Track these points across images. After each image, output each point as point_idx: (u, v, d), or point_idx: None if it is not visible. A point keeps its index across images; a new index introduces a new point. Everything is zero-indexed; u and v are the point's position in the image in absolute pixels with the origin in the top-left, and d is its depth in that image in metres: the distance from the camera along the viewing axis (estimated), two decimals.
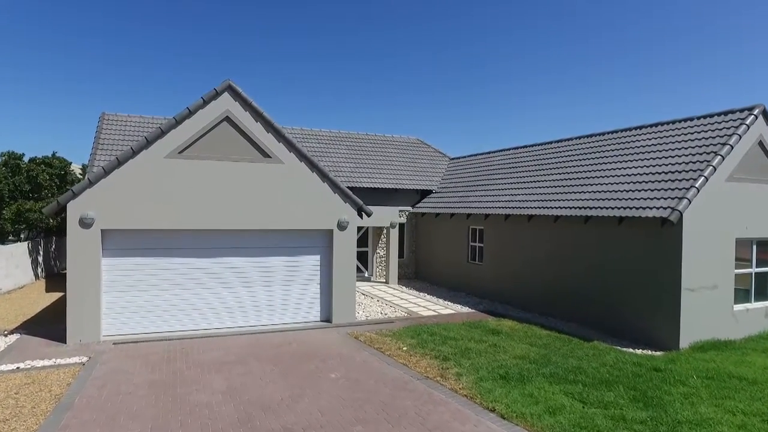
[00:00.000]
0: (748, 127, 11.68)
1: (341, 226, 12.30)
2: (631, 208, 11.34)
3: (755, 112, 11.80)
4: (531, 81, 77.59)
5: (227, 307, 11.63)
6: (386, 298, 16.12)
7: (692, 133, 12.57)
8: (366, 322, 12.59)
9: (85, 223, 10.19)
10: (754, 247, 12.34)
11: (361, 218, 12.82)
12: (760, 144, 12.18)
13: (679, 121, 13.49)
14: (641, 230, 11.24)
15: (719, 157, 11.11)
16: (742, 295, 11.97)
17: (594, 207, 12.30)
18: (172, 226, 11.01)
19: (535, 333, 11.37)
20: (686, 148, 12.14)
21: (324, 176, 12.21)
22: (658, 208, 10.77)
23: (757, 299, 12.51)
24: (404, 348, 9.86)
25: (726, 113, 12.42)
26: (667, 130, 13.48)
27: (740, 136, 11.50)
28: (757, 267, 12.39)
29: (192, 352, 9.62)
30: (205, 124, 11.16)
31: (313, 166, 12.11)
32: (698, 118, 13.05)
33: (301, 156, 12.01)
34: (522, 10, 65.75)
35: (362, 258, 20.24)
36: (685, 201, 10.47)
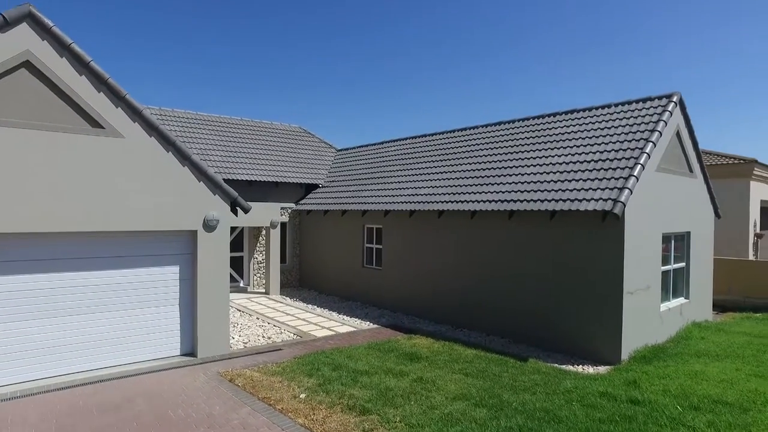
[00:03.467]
0: (671, 114, 10.81)
1: (209, 226, 9.11)
2: (564, 201, 9.76)
3: (674, 100, 10.98)
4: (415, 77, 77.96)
5: (36, 348, 7.81)
6: (268, 315, 13.07)
7: (615, 120, 11.47)
8: (244, 352, 9.51)
9: None
10: (673, 242, 11.60)
11: (236, 215, 9.73)
12: (678, 134, 11.47)
13: (596, 108, 12.43)
14: (577, 226, 9.71)
15: (651, 143, 9.99)
16: (663, 295, 11.10)
17: (519, 200, 10.58)
18: None
19: (461, 354, 9.26)
20: (612, 135, 10.96)
21: (185, 158, 8.93)
22: (597, 200, 9.28)
23: (674, 297, 11.80)
24: (302, 395, 7.05)
25: (644, 100, 11.51)
26: (585, 117, 12.33)
27: (666, 123, 10.55)
28: (674, 263, 11.70)
29: None
30: None
31: (168, 143, 8.77)
32: (616, 105, 12.04)
33: (151, 128, 8.61)
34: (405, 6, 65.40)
35: (237, 264, 16.86)
36: (626, 191, 9.09)
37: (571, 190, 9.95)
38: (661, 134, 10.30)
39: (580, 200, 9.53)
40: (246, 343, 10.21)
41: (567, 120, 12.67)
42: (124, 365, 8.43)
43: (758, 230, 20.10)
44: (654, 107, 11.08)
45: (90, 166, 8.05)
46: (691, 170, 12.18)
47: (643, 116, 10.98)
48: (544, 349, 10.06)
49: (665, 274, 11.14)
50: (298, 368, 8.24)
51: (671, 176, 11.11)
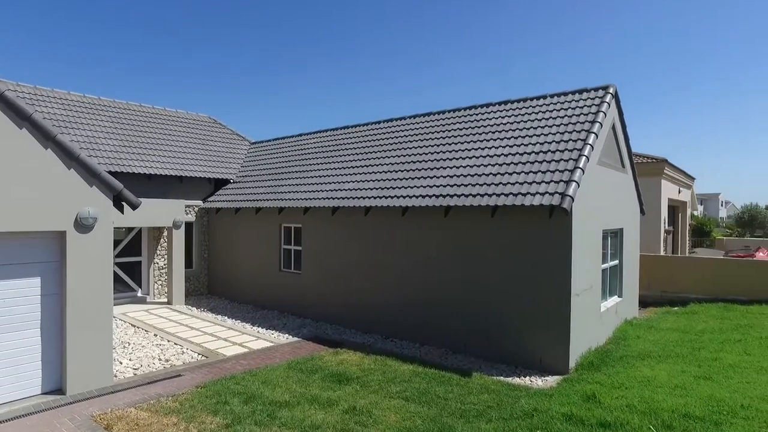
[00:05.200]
0: (609, 105, 10.36)
1: (84, 225, 7.18)
2: (507, 195, 8.88)
3: (611, 91, 10.56)
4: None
5: None
6: (169, 330, 11.13)
7: (552, 111, 10.85)
8: (133, 382, 7.67)
9: None
10: (609, 239, 11.21)
11: (122, 212, 7.85)
12: (613, 127, 11.10)
13: (531, 99, 11.80)
14: (520, 223, 8.87)
15: (593, 135, 9.40)
16: (601, 294, 10.65)
17: (455, 195, 9.59)
18: None
19: (396, 372, 8.06)
20: (552, 126, 10.31)
21: (47, 137, 6.93)
22: (542, 194, 8.48)
23: (610, 296, 11.44)
24: None
25: (580, 92, 11.01)
26: (521, 108, 11.65)
27: (605, 114, 10.06)
28: (610, 261, 11.33)
29: None
30: None
31: (23, 118, 6.75)
32: (551, 96, 11.47)
33: None
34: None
35: (134, 271, 14.56)
36: (573, 184, 8.36)
37: (513, 184, 9.11)
38: (601, 125, 9.78)
39: (524, 194, 8.70)
40: (137, 369, 8.32)
41: (501, 111, 11.93)
42: None
43: (667, 227, 20.94)
44: (591, 98, 10.58)
45: None
46: (623, 165, 11.91)
47: (581, 107, 10.45)
48: (485, 359, 9.14)
49: (603, 272, 10.70)
50: (200, 402, 6.61)
51: (609, 170, 10.70)
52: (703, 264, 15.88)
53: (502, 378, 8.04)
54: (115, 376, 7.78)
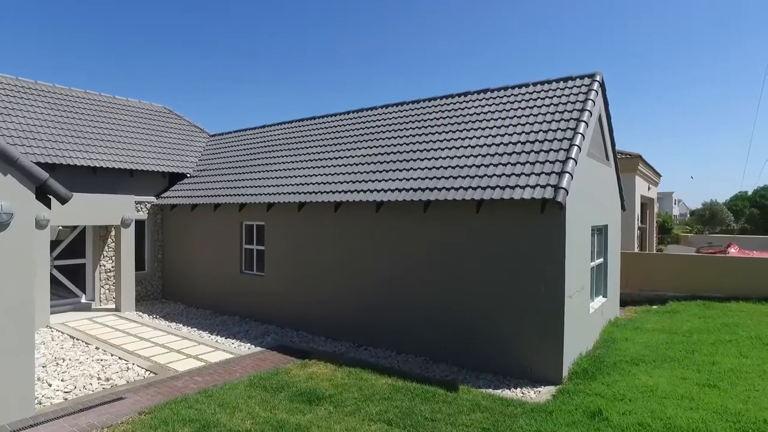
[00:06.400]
0: (597, 93, 9.71)
1: None
2: (494, 188, 8.07)
3: (598, 79, 9.91)
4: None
5: None
6: (114, 341, 9.87)
7: (536, 99, 10.13)
8: (59, 410, 6.45)
9: None
10: (595, 236, 10.60)
11: (48, 207, 6.62)
12: (599, 118, 10.48)
13: (511, 87, 11.06)
14: (508, 218, 8.08)
15: (584, 123, 8.71)
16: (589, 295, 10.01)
17: (436, 188, 8.73)
18: None
19: (374, 387, 7.12)
20: (537, 116, 9.58)
21: None
22: (533, 187, 7.71)
23: (596, 296, 10.84)
24: None
25: (565, 80, 10.33)
26: (501, 97, 10.89)
27: (594, 102, 9.41)
28: (596, 259, 10.72)
29: None
30: None
31: None
32: (534, 84, 10.75)
33: None
34: None
35: (77, 275, 13.11)
36: (566, 176, 7.62)
37: (500, 176, 8.31)
38: (591, 113, 9.10)
39: (513, 187, 7.91)
40: (69, 392, 7.10)
41: (482, 99, 11.16)
42: None
43: (640, 224, 20.75)
44: (578, 86, 9.91)
45: None
46: (607, 158, 11.34)
47: (568, 96, 9.76)
48: (469, 368, 8.32)
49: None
50: None
51: (596, 163, 10.06)
52: (680, 261, 15.60)
53: (491, 391, 7.23)
54: (40, 403, 6.56)
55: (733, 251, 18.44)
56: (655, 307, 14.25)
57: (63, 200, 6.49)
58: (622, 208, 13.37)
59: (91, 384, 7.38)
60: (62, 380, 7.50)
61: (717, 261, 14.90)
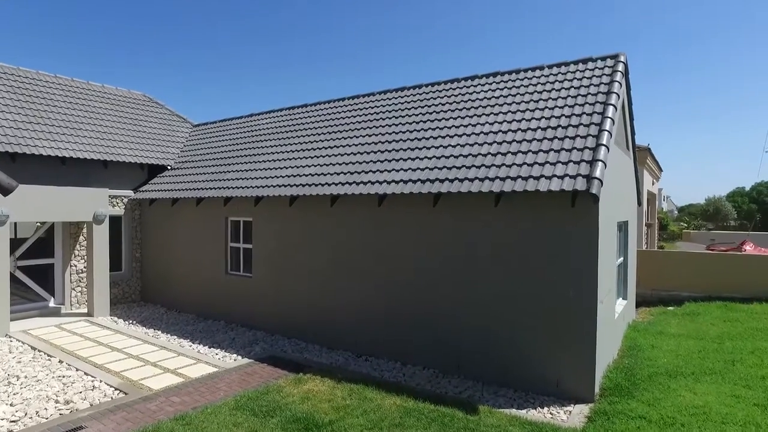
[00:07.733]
0: (623, 74, 8.76)
1: None
2: (514, 179, 7.07)
3: (622, 59, 8.95)
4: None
5: None
6: (82, 352, 8.73)
7: (554, 83, 9.16)
8: None
9: None
10: (618, 233, 9.65)
11: None
12: (623, 103, 9.53)
13: (524, 71, 10.06)
14: (532, 213, 7.08)
15: (611, 107, 7.73)
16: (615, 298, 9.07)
17: (447, 179, 7.71)
18: None
19: (381, 409, 6.10)
20: (556, 99, 8.60)
21: None
22: (561, 177, 6.72)
23: (617, 297, 9.90)
24: None
25: (584, 61, 9.39)
26: (514, 80, 9.89)
27: (621, 84, 8.45)
28: (618, 258, 9.77)
29: None
30: None
31: None
32: (549, 66, 9.78)
33: None
34: None
35: (45, 276, 11.91)
36: (599, 165, 6.64)
37: (521, 165, 7.31)
38: (618, 96, 8.13)
39: (537, 178, 6.91)
40: (16, 421, 5.97)
41: (491, 83, 10.15)
42: None
43: (647, 220, 19.95)
44: (600, 68, 8.96)
45: None
46: (627, 147, 10.41)
47: (590, 78, 8.80)
48: (485, 383, 7.33)
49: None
50: None
51: (620, 152, 9.12)
52: (696, 259, 14.74)
53: (514, 411, 6.25)
54: None
55: (748, 248, 17.63)
56: (671, 308, 13.38)
57: (6, 191, 5.36)
58: (638, 202, 12.47)
59: (46, 409, 6.26)
60: (11, 405, 6.37)
61: (736, 259, 14.05)
